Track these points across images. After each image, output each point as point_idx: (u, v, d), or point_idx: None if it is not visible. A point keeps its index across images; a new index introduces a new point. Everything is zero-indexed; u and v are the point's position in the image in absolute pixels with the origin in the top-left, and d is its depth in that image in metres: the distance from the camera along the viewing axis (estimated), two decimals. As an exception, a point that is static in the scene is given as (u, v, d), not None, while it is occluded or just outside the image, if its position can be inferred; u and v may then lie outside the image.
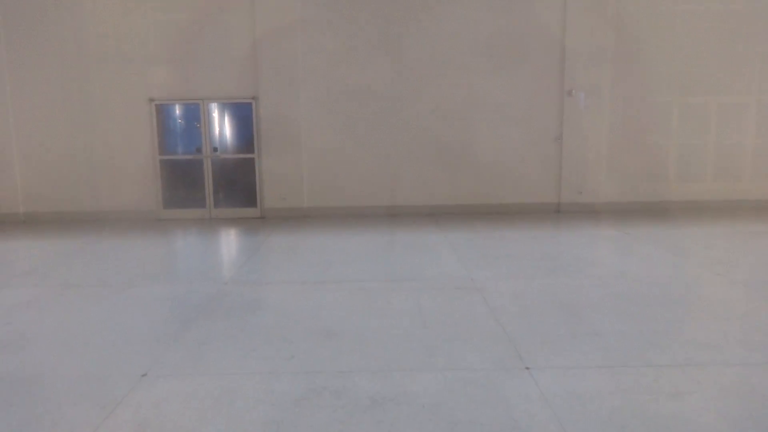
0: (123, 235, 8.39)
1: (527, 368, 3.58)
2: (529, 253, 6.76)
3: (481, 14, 9.36)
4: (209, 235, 8.48)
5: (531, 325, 4.31)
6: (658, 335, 4.07)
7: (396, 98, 9.53)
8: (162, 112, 9.60)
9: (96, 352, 3.96)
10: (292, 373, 3.57)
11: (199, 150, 9.65)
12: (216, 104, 9.60)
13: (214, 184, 9.74)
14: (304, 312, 4.71)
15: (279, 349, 3.95)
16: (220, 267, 6.41)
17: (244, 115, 9.62)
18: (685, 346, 3.87)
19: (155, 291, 5.46)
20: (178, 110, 9.71)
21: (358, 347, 3.95)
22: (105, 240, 8.04)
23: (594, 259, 6.38)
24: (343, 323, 4.43)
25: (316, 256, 6.73)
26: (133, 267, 6.44)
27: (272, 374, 3.57)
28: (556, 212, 9.77)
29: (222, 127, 9.74)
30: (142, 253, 7.18)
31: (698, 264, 6.09)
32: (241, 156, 9.71)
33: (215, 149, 9.66)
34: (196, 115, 9.59)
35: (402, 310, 4.73)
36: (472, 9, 9.34)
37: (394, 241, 7.59)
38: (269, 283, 5.67)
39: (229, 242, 8.04)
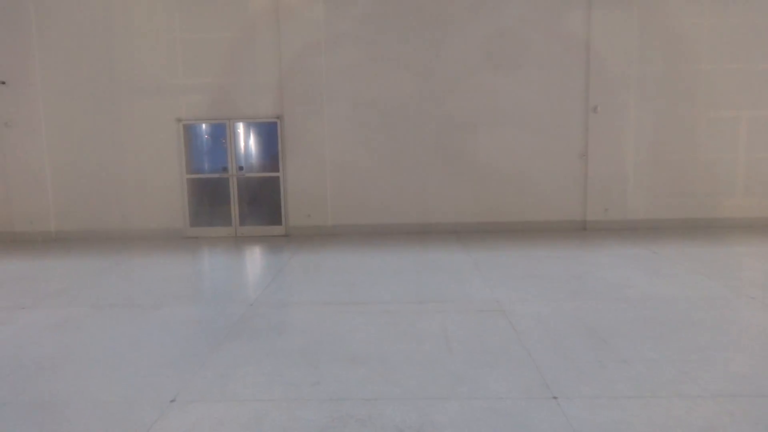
0: (151, 254, 8.53)
1: (555, 398, 3.54)
2: (555, 273, 6.70)
3: (505, 27, 9.37)
4: (235, 253, 8.57)
5: (558, 351, 4.26)
6: (689, 364, 3.99)
7: (419, 113, 9.56)
8: (189, 131, 9.78)
9: (125, 376, 4.03)
10: (318, 401, 3.59)
11: (225, 169, 9.80)
12: (242, 123, 9.74)
13: (239, 203, 9.86)
14: (329, 335, 4.73)
15: (305, 375, 3.96)
16: (246, 287, 6.47)
17: (269, 134, 9.75)
18: (717, 376, 3.79)
19: (183, 312, 5.54)
20: (205, 130, 9.88)
21: (383, 373, 3.95)
22: (133, 259, 8.18)
23: (621, 281, 6.29)
24: (368, 347, 4.43)
25: (339, 277, 6.76)
26: (161, 287, 6.54)
27: (298, 401, 3.59)
28: (582, 230, 9.67)
29: (247, 146, 9.88)
30: (170, 273, 7.29)
31: (729, 286, 5.97)
32: (267, 174, 9.82)
33: (241, 168, 9.80)
34: (222, 135, 9.75)
35: (427, 333, 4.72)
36: (496, 21, 9.36)
37: (417, 261, 7.58)
38: (294, 304, 5.70)
39: (255, 261, 8.12)
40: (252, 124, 9.78)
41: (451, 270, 6.98)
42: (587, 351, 4.27)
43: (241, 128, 9.77)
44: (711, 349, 4.26)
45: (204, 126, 9.84)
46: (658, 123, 9.51)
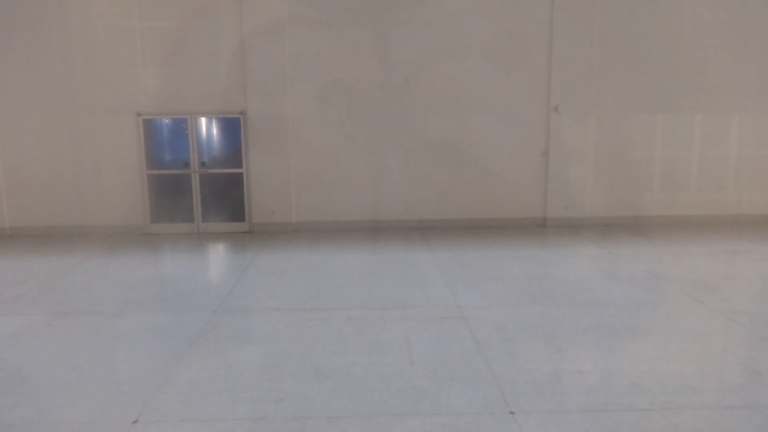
0: (110, 253, 8.38)
1: (512, 413, 3.67)
2: (516, 275, 6.86)
3: (468, 21, 9.42)
4: (197, 252, 8.49)
5: (516, 363, 4.40)
6: (640, 375, 4.17)
7: (385, 112, 9.59)
8: (150, 126, 9.57)
9: (87, 395, 3.99)
10: (282, 419, 3.63)
11: (187, 165, 9.65)
12: (204, 118, 9.59)
13: (202, 199, 9.74)
14: (293, 346, 4.77)
15: (269, 391, 4.00)
16: (209, 291, 6.43)
17: (232, 130, 9.63)
18: (665, 387, 3.98)
19: (145, 320, 5.49)
20: (166, 124, 9.68)
21: (347, 388, 4.02)
22: (93, 259, 8.03)
23: (578, 284, 6.49)
24: (333, 360, 4.49)
25: (304, 280, 6.78)
26: (122, 291, 6.45)
27: (263, 420, 3.63)
28: (542, 226, 9.90)
29: (210, 141, 9.74)
30: (131, 275, 7.18)
31: (680, 290, 6.22)
32: (230, 170, 9.71)
33: (203, 164, 9.66)
34: (184, 130, 9.58)
35: (390, 344, 4.80)
36: (460, 15, 9.41)
37: (381, 261, 7.66)
38: (258, 311, 5.71)
39: (217, 261, 8.07)
40: (215, 118, 9.63)
41: (415, 272, 7.08)
42: (544, 362, 4.42)
43: (203, 123, 9.61)
44: (660, 358, 4.46)
45: (165, 121, 9.64)
46: (617, 123, 9.75)
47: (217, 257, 8.29)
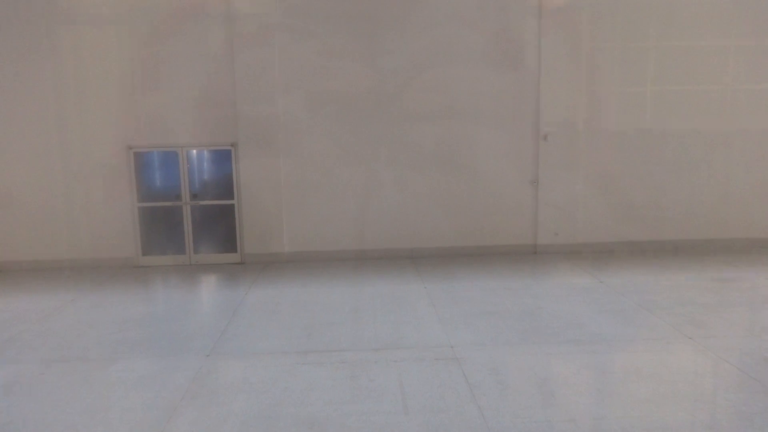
0: (102, 288, 8.35)
1: (506, 467, 3.70)
2: (508, 309, 6.91)
3: (458, 39, 9.56)
4: (189, 287, 8.48)
5: (509, 409, 4.43)
6: (631, 420, 4.22)
7: (374, 141, 9.67)
8: (141, 159, 9.58)
9: (80, 454, 3.98)
10: (277, 478, 3.64)
11: (178, 197, 9.65)
12: (195, 151, 9.61)
13: (193, 231, 9.74)
14: (287, 395, 4.77)
15: (264, 446, 4.01)
16: (202, 332, 6.42)
17: (223, 162, 9.66)
18: (657, 435, 4.03)
19: (138, 367, 5.47)
20: (157, 157, 9.69)
21: (341, 442, 4.04)
22: (84, 296, 8.00)
23: (570, 318, 6.55)
24: (327, 410, 4.50)
25: (297, 318, 6.79)
26: (114, 333, 6.44)
27: (258, 480, 3.63)
28: (534, 254, 9.97)
29: (201, 173, 9.75)
30: (123, 314, 7.16)
31: (670, 324, 6.29)
32: (221, 202, 9.73)
33: (195, 196, 9.67)
34: (175, 162, 9.59)
35: (384, 390, 4.82)
36: (446, 34, 9.54)
37: (374, 295, 7.68)
38: (252, 354, 5.71)
39: (210, 297, 8.05)
40: (206, 151, 9.66)
41: (408, 307, 7.11)
42: (537, 408, 4.45)
43: (194, 155, 9.64)
44: (652, 402, 4.50)
45: (156, 154, 9.65)
46: (607, 150, 9.87)
47: (210, 292, 8.28)
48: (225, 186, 9.70)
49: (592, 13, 9.53)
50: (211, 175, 9.79)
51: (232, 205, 9.70)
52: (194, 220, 9.73)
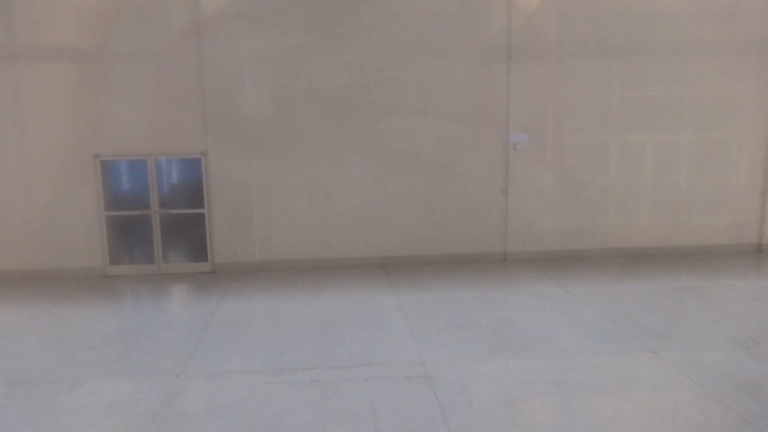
0: (68, 300, 8.20)
1: (476, 494, 3.78)
2: (478, 322, 7.01)
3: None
4: (158, 299, 8.39)
5: (478, 429, 4.52)
6: (596, 442, 4.36)
7: (348, 146, 9.69)
8: (108, 168, 9.42)
9: (49, 487, 3.93)
10: None
11: (146, 206, 9.52)
12: (164, 159, 9.48)
13: (163, 240, 9.62)
14: (260, 419, 4.78)
15: (236, 475, 4.02)
16: (172, 350, 6.35)
17: (193, 171, 9.55)
18: (621, 457, 4.16)
19: (107, 389, 5.41)
20: (124, 165, 9.53)
21: (314, 469, 4.07)
22: (50, 310, 7.84)
23: (538, 331, 6.68)
24: (299, 434, 4.53)
25: (268, 333, 6.77)
26: (82, 350, 6.34)
27: None
28: (503, 261, 10.12)
29: (171, 182, 9.62)
30: (90, 329, 7.04)
31: (634, 336, 6.47)
32: (191, 211, 9.63)
33: (164, 205, 9.55)
34: (143, 171, 9.45)
35: (356, 411, 4.86)
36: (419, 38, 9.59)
37: (347, 307, 7.71)
38: (223, 374, 5.69)
39: (180, 311, 7.98)
40: (175, 159, 9.54)
41: (381, 321, 7.16)
42: (506, 429, 4.55)
43: (163, 164, 9.50)
44: (616, 421, 4.65)
45: (124, 162, 9.49)
46: (574, 159, 10.06)
47: (180, 305, 8.21)
48: (195, 194, 9.59)
49: (560, 21, 9.68)
50: (180, 183, 9.68)
51: (203, 214, 9.61)
52: (163, 229, 9.61)
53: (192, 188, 9.60)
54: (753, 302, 7.72)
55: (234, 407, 5.00)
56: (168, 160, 9.52)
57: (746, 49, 10.03)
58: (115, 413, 4.97)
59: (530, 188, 10.01)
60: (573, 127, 9.98)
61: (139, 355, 6.25)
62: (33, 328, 7.16)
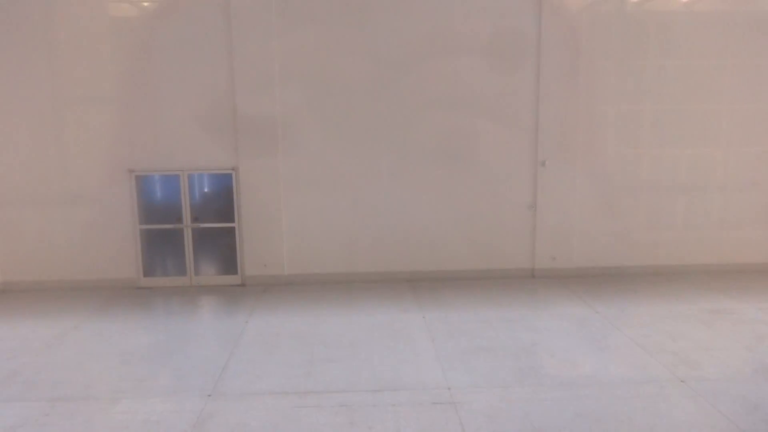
0: (104, 313, 8.45)
1: None
2: (505, 344, 7.02)
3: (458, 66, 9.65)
4: (190, 313, 8.58)
5: (504, 464, 4.55)
6: (623, 479, 4.34)
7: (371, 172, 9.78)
8: (142, 182, 9.67)
9: None
10: None
11: (179, 219, 9.75)
12: (196, 174, 9.70)
13: (194, 253, 9.84)
14: (287, 444, 4.89)
15: (265, 504, 4.12)
16: (203, 368, 6.49)
17: (224, 185, 9.75)
18: (647, 496, 4.14)
19: (141, 408, 5.57)
20: (158, 180, 9.78)
21: (340, 500, 4.15)
22: (86, 323, 8.09)
23: (565, 355, 6.66)
24: (326, 462, 4.61)
25: (296, 353, 6.88)
26: (117, 367, 6.54)
27: None
28: (531, 277, 10.08)
29: (202, 196, 9.84)
30: (126, 345, 7.25)
31: (663, 364, 6.40)
32: (222, 225, 9.83)
33: (196, 218, 9.76)
34: (176, 186, 9.68)
35: (382, 439, 4.94)
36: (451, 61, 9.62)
37: (373, 326, 7.78)
38: (252, 395, 5.81)
39: (211, 326, 8.13)
40: (207, 174, 9.75)
41: (406, 341, 7.21)
42: (531, 463, 4.57)
43: (196, 179, 9.72)
44: (643, 457, 4.63)
45: (157, 177, 9.74)
46: (604, 176, 9.97)
47: (211, 320, 8.38)
48: (226, 208, 9.78)
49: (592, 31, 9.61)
50: (212, 197, 9.89)
51: (233, 228, 9.80)
52: (195, 242, 9.83)
53: (223, 202, 9.79)
54: (788, 328, 7.56)
55: (262, 430, 5.11)
56: (200, 175, 9.74)
57: (784, 64, 9.82)
58: (148, 434, 5.12)
59: (559, 203, 9.94)
60: (603, 140, 9.89)
61: (171, 373, 6.42)
62: (70, 342, 7.40)
